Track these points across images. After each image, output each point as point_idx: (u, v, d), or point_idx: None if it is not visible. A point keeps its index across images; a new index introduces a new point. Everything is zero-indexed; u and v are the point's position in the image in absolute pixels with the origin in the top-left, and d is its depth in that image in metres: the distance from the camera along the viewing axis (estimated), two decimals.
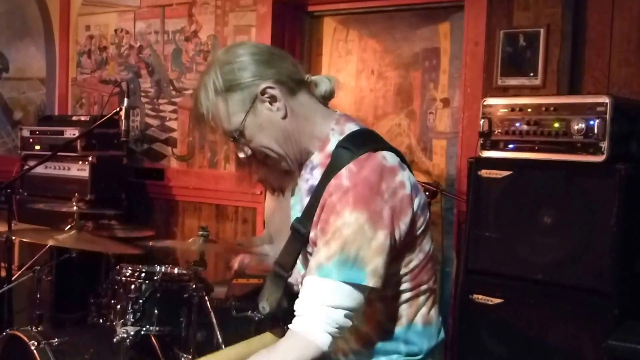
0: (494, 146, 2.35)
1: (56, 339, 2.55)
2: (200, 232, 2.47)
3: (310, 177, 1.41)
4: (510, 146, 2.32)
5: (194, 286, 2.45)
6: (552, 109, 2.23)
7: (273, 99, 1.37)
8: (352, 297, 1.27)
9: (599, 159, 2.11)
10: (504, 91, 2.81)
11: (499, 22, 2.83)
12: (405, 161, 1.42)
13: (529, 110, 2.28)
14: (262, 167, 2.15)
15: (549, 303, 2.19)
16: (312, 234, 1.36)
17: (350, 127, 1.41)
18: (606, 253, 2.07)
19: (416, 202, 1.37)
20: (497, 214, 2.31)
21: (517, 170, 2.27)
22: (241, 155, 1.43)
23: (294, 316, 1.32)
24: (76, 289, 3.19)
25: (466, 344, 2.39)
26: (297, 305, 1.31)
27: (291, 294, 1.42)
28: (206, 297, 2.45)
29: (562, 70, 2.69)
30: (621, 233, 2.06)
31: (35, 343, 2.50)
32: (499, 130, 2.33)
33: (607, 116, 2.10)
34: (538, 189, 2.23)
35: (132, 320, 2.48)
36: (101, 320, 2.66)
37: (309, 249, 1.39)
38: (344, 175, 1.31)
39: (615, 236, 2.06)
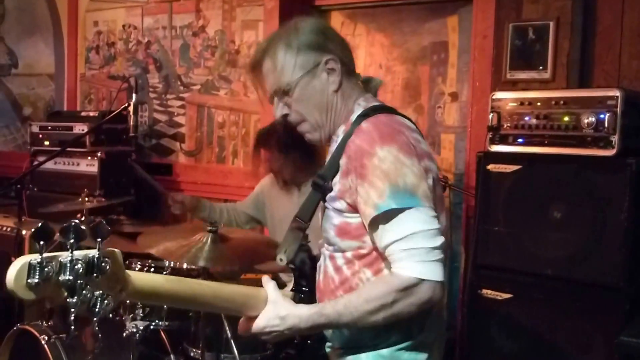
0: (503, 140, 2.33)
1: (66, 334, 2.57)
2: (209, 228, 2.47)
3: (335, 145, 1.47)
4: (520, 140, 2.30)
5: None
6: (561, 102, 2.21)
7: (332, 71, 1.45)
8: (419, 219, 1.30)
9: (610, 153, 2.10)
10: (513, 85, 2.79)
11: (508, 15, 2.81)
12: (422, 134, 1.48)
13: (539, 104, 2.26)
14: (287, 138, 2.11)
15: (558, 298, 2.18)
16: (337, 187, 1.40)
17: (373, 102, 1.48)
18: (617, 248, 2.05)
19: (432, 165, 1.41)
20: (506, 209, 2.29)
21: (526, 165, 2.26)
22: (278, 112, 1.48)
23: (307, 263, 1.42)
24: None
25: (475, 338, 2.38)
26: (385, 252, 1.34)
27: (307, 251, 1.49)
28: None
29: (571, 63, 2.66)
30: (632, 228, 2.04)
31: (46, 337, 2.52)
32: (508, 125, 2.32)
33: (618, 110, 2.09)
34: (547, 183, 2.21)
35: (141, 314, 2.50)
36: (111, 315, 2.68)
37: (333, 205, 1.41)
38: (362, 125, 1.38)
39: (625, 231, 2.04)
